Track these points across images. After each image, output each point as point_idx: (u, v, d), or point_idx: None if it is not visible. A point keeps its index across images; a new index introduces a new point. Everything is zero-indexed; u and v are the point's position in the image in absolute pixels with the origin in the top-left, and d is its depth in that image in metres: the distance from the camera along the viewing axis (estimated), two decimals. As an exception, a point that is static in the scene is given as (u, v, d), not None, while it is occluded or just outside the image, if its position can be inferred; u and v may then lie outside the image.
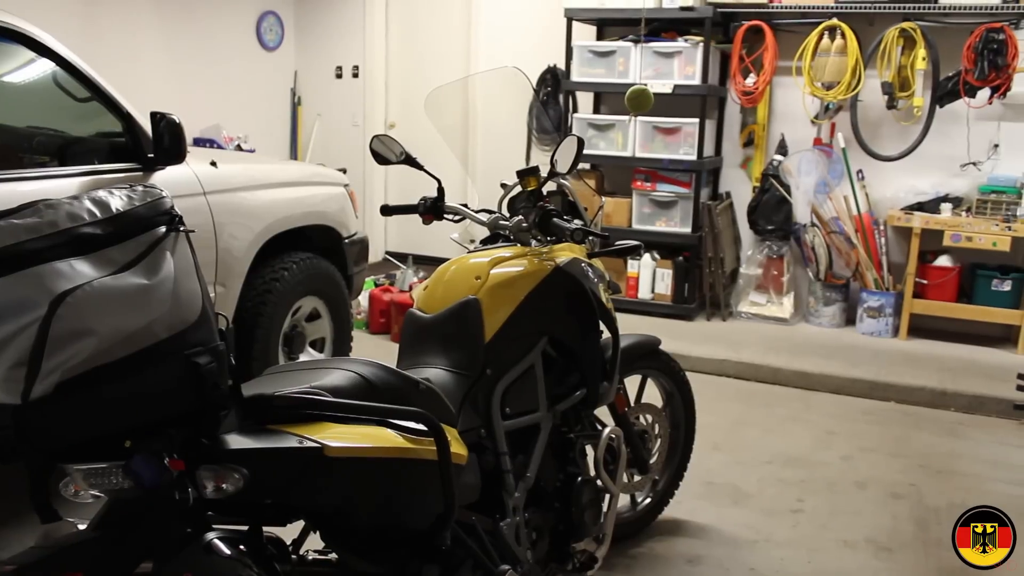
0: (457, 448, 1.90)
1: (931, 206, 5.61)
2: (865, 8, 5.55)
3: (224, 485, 1.45)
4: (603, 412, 2.85)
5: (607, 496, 2.60)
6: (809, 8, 5.67)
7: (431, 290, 2.39)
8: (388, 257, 7.43)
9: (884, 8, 5.51)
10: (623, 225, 6.13)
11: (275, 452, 1.53)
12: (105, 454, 1.41)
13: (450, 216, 2.68)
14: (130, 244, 1.37)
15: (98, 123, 3.40)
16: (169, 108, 6.49)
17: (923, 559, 3.11)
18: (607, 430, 2.56)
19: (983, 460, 4.03)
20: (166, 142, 3.23)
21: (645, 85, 2.84)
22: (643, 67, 5.86)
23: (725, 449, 4.06)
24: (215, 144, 6.66)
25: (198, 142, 6.71)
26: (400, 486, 1.74)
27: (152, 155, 3.30)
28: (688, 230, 5.95)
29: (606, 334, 2.62)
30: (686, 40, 5.77)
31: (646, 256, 6.09)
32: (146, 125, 3.29)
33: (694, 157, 5.80)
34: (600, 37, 6.40)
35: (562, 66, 6.30)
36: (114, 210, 1.38)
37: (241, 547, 1.51)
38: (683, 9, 5.71)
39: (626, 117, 5.97)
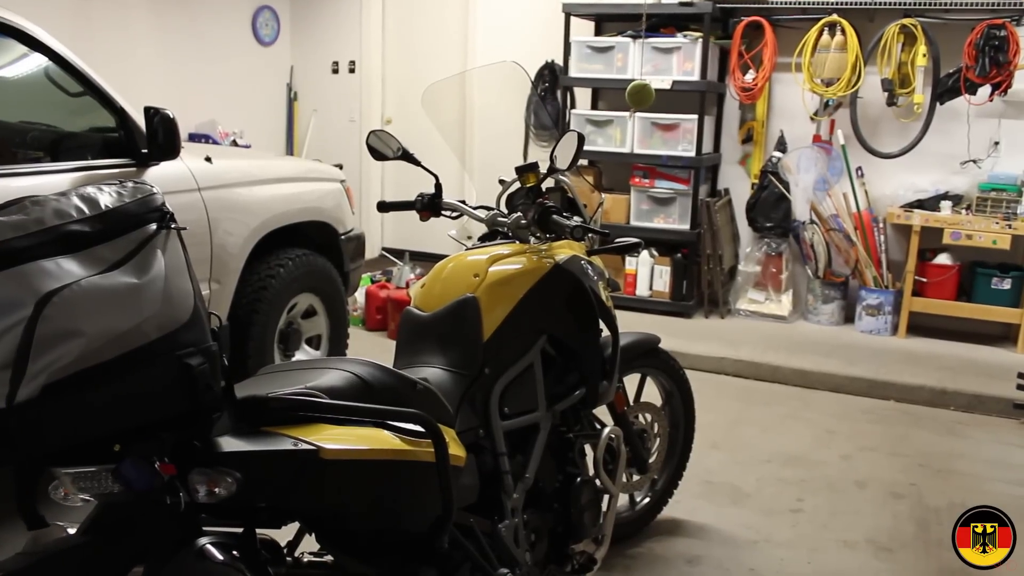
0: (455, 450, 1.86)
1: (931, 204, 5.58)
2: (865, 4, 5.51)
3: (217, 489, 1.41)
4: (603, 411, 2.83)
5: (606, 497, 2.57)
6: (809, 4, 5.63)
7: (428, 288, 2.35)
8: (385, 253, 7.39)
9: (884, 4, 5.47)
10: (621, 222, 6.10)
11: (269, 455, 1.50)
12: (95, 457, 1.37)
13: (447, 213, 2.64)
14: (120, 242, 1.33)
15: (92, 118, 3.36)
16: (164, 103, 6.44)
17: (924, 559, 3.08)
18: (607, 430, 2.53)
19: (983, 459, 4.00)
20: (160, 137, 3.19)
21: (646, 81, 2.80)
22: (642, 63, 5.82)
23: (724, 448, 4.03)
24: (211, 139, 6.62)
25: (194, 137, 6.67)
26: (397, 489, 1.70)
27: (146, 150, 3.26)
28: (687, 227, 5.92)
29: (606, 332, 2.59)
30: (685, 36, 5.73)
31: (644, 253, 6.06)
32: (140, 120, 3.25)
33: (693, 153, 5.76)
34: (599, 33, 6.36)
35: (560, 62, 6.25)
36: (103, 207, 1.34)
37: (234, 552, 1.47)
38: (682, 4, 5.66)
39: (625, 113, 5.93)
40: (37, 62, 3.18)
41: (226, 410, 1.46)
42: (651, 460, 3.09)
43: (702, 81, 5.68)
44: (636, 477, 3.06)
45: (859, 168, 5.78)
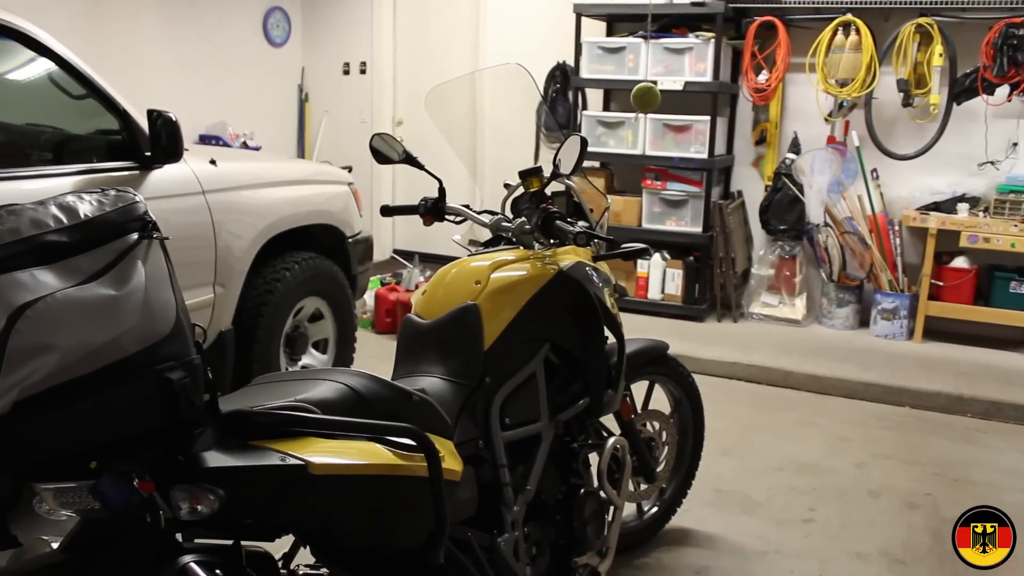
0: (451, 463, 1.81)
1: (947, 206, 5.49)
2: (881, 3, 5.42)
3: (199, 506, 1.37)
4: (610, 419, 2.78)
5: (611, 508, 2.52)
6: (823, 3, 5.55)
7: (429, 295, 2.31)
8: (395, 256, 7.35)
9: (900, 3, 5.38)
10: (633, 224, 6.04)
11: (255, 470, 1.45)
12: (75, 472, 1.33)
13: (451, 217, 2.60)
14: (99, 252, 1.29)
15: (98, 120, 3.33)
16: (175, 105, 6.44)
17: (938, 573, 3.01)
18: (611, 440, 2.48)
19: (1001, 468, 3.92)
20: (163, 140, 3.17)
21: (652, 83, 2.74)
22: (653, 64, 5.76)
23: (735, 455, 3.97)
24: (221, 141, 6.60)
25: (204, 139, 6.66)
26: (390, 504, 1.66)
27: (149, 153, 3.23)
28: (699, 230, 5.85)
29: (612, 340, 2.54)
30: (697, 36, 5.66)
31: (656, 256, 6.00)
32: (144, 123, 3.22)
33: (705, 155, 5.70)
34: (610, 33, 6.29)
35: (571, 63, 6.20)
36: (82, 216, 1.30)
37: (217, 571, 1.43)
38: (694, 4, 5.60)
39: (636, 114, 5.87)
40: (43, 64, 3.15)
41: (210, 425, 1.42)
42: (659, 469, 3.04)
43: (714, 82, 5.61)
44: (644, 486, 3.00)
45: (874, 170, 5.70)
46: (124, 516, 1.32)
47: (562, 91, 6.54)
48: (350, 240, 4.37)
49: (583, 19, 6.07)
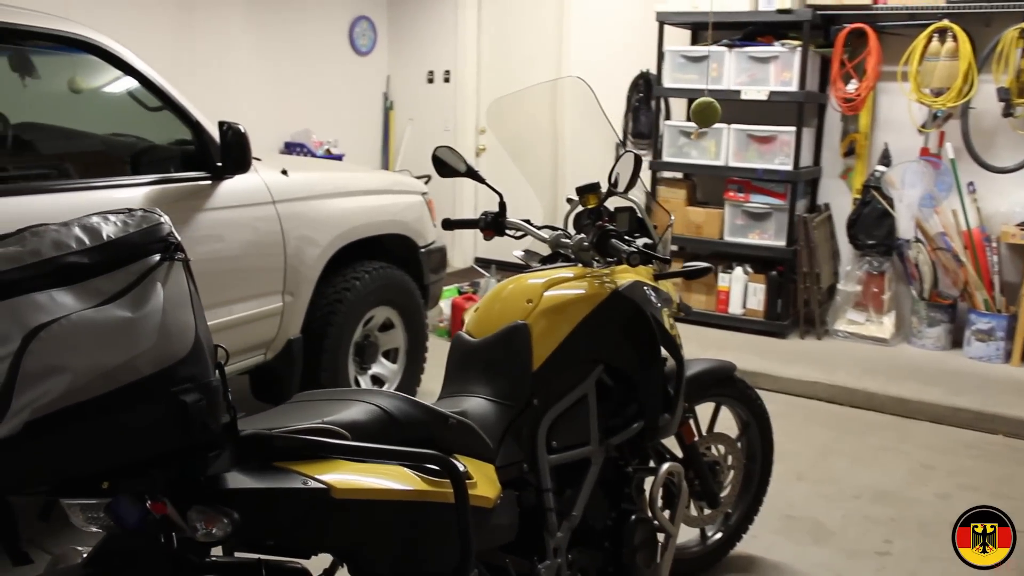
0: (484, 489, 1.77)
1: (1051, 222, 5.19)
2: (981, 7, 5.15)
3: (214, 529, 1.36)
4: (672, 443, 2.70)
5: (665, 536, 2.43)
6: (918, 9, 5.31)
7: (482, 312, 2.28)
8: (475, 265, 7.37)
9: (1003, 7, 5.10)
10: (714, 237, 5.90)
11: (275, 493, 1.44)
12: (99, 489, 1.35)
13: (511, 232, 2.57)
14: (119, 274, 1.29)
15: (176, 131, 3.41)
16: (262, 113, 6.65)
17: (1023, 617, 2.83)
18: (665, 466, 2.39)
19: (1100, 506, 3.66)
20: (232, 151, 3.23)
21: (711, 99, 2.66)
22: (737, 73, 5.62)
23: (809, 480, 3.82)
24: (305, 148, 6.73)
25: (289, 146, 6.80)
26: (416, 531, 1.63)
27: (220, 164, 3.30)
28: (783, 243, 5.67)
29: (672, 362, 2.46)
30: (783, 44, 5.49)
31: (738, 269, 5.84)
32: (216, 134, 3.29)
33: (790, 167, 5.52)
34: (695, 42, 6.17)
35: (655, 71, 6.10)
36: (105, 237, 1.31)
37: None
38: (780, 12, 5.43)
39: (720, 125, 5.73)
40: (120, 77, 3.25)
41: (228, 447, 1.41)
42: (724, 494, 2.94)
43: (800, 91, 5.43)
44: (707, 511, 2.91)
45: (971, 183, 5.41)
46: (139, 535, 1.32)
47: (645, 100, 6.46)
48: (423, 250, 4.39)
49: (666, 27, 5.97)
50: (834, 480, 3.83)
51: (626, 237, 2.34)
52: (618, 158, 2.21)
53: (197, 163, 3.33)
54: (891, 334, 5.60)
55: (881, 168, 5.58)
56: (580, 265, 2.36)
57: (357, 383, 4.09)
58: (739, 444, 3.04)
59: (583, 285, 2.27)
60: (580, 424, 2.22)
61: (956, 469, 3.99)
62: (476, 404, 2.03)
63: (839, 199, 5.99)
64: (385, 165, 7.77)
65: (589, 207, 2.33)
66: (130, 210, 1.39)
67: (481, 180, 2.55)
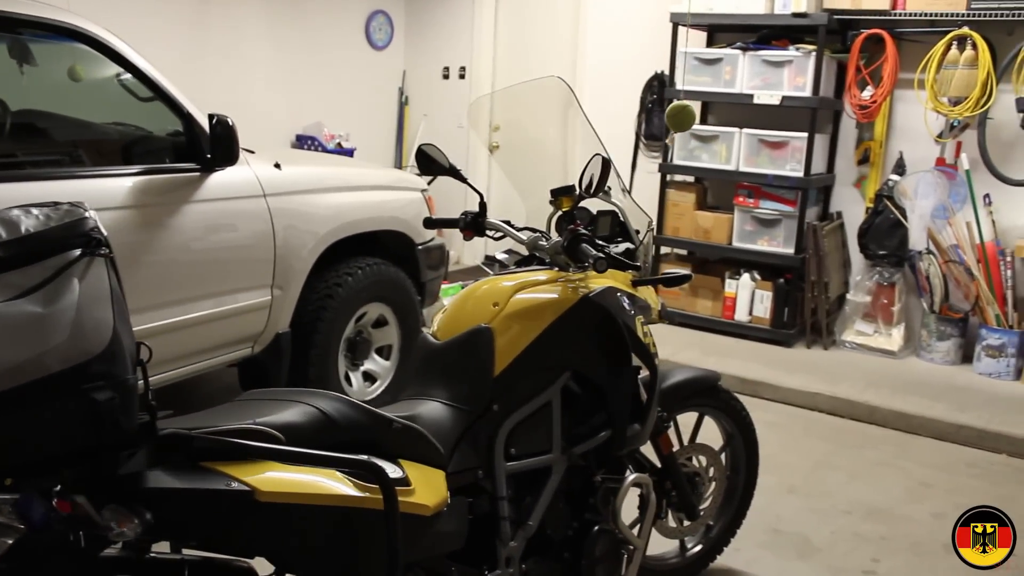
0: (424, 496, 1.72)
1: (1068, 237, 5.06)
2: (1003, 15, 5.02)
3: (124, 528, 1.33)
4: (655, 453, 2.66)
5: (631, 549, 2.38)
6: (937, 15, 5.19)
7: (449, 314, 2.24)
8: (482, 264, 7.32)
9: (1025, 15, 4.98)
10: (723, 242, 5.82)
11: (196, 493, 1.41)
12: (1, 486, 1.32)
13: (491, 233, 2.54)
14: (34, 268, 1.27)
15: (175, 122, 3.39)
16: (275, 105, 6.65)
17: (1008, 647, 2.74)
18: (631, 476, 2.34)
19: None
20: (220, 144, 3.21)
21: (687, 103, 2.60)
22: (750, 76, 5.53)
23: (801, 493, 3.74)
24: (316, 141, 6.73)
25: (300, 139, 6.80)
26: (347, 537, 1.59)
27: (210, 156, 3.29)
28: (791, 251, 5.58)
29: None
30: (798, 49, 5.40)
31: (745, 276, 5.76)
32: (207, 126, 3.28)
33: (801, 174, 5.43)
34: (711, 44, 6.08)
35: (669, 73, 6.03)
36: (23, 231, 1.28)
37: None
38: (796, 16, 5.33)
39: (732, 129, 5.66)
40: (112, 67, 3.25)
41: (145, 446, 1.38)
42: (704, 506, 2.88)
43: (814, 97, 5.33)
44: (686, 523, 2.85)
45: (987, 195, 5.29)
46: (46, 534, 1.30)
47: (659, 102, 6.38)
48: (420, 247, 4.35)
49: (681, 29, 5.89)
50: (827, 494, 3.75)
51: (598, 242, 2.30)
52: (589, 161, 2.16)
53: (188, 155, 3.32)
54: (899, 347, 5.50)
55: (895, 177, 5.48)
56: (556, 269, 2.31)
57: (348, 379, 4.07)
58: (722, 455, 2.98)
59: (553, 289, 2.22)
60: (542, 431, 2.17)
61: (954, 488, 3.89)
62: (432, 408, 1.99)
63: (852, 208, 5.88)
64: (398, 160, 7.75)
65: (563, 210, 2.29)
66: (56, 204, 1.36)
67: (463, 179, 2.53)
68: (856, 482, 3.90)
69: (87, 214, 1.36)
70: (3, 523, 1.32)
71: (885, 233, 5.47)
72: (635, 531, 2.45)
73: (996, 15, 5.03)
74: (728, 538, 3.06)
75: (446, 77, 7.60)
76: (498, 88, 7.06)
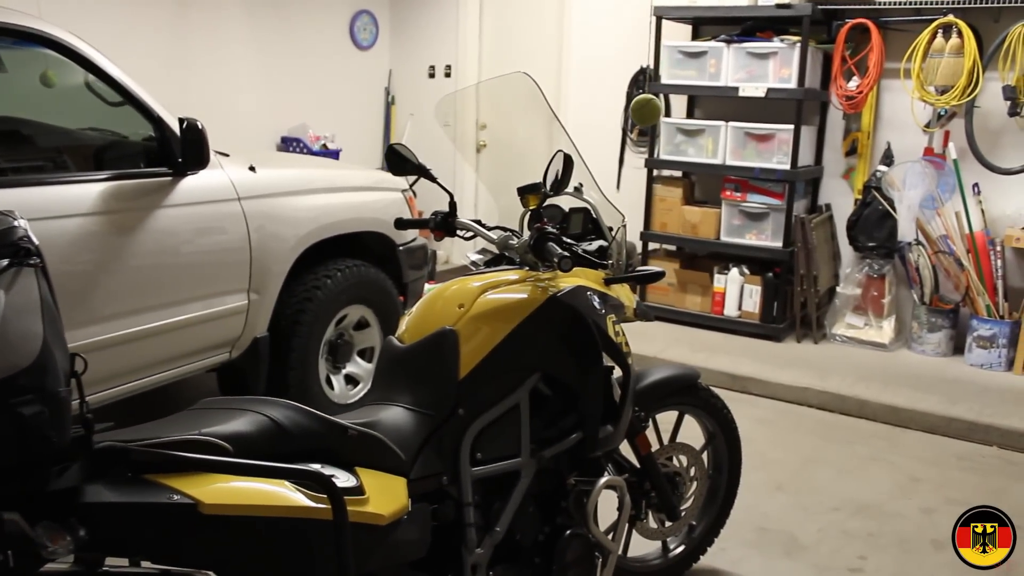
0: (379, 505, 1.67)
1: (1058, 225, 5.01)
2: (989, 2, 4.96)
3: (57, 546, 1.29)
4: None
5: (607, 553, 2.33)
6: (922, 3, 5.14)
7: (415, 316, 2.20)
8: (469, 265, 7.27)
9: (1011, 1, 4.91)
10: (711, 237, 5.78)
11: (136, 507, 1.37)
12: None
13: (461, 233, 2.49)
14: None
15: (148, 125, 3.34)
16: (259, 107, 6.59)
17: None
18: (603, 479, 2.29)
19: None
20: (191, 148, 3.17)
21: (651, 96, 2.55)
22: (735, 69, 5.48)
23: (789, 490, 3.70)
24: (301, 143, 6.68)
25: (285, 141, 6.75)
26: (297, 549, 1.54)
27: (181, 160, 3.24)
28: (779, 244, 5.53)
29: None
30: (782, 40, 5.34)
31: (734, 271, 5.71)
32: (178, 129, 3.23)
33: (787, 166, 5.38)
34: (695, 37, 6.04)
35: (654, 67, 5.98)
36: None
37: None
38: (779, 7, 5.28)
39: (718, 122, 5.61)
40: (80, 72, 3.20)
41: (80, 460, 1.34)
42: (686, 506, 2.84)
43: (799, 89, 5.28)
44: (667, 523, 2.81)
45: (975, 185, 5.24)
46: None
47: (645, 96, 6.33)
48: (401, 248, 4.31)
49: (666, 23, 5.85)
50: (815, 491, 3.71)
51: (566, 240, 2.26)
52: (552, 157, 2.11)
53: (160, 159, 3.27)
54: (891, 339, 5.45)
55: (882, 168, 5.43)
56: (526, 269, 2.27)
57: (330, 382, 4.03)
58: (704, 454, 2.93)
59: (521, 290, 2.17)
60: (510, 435, 2.12)
61: (944, 482, 3.85)
62: (394, 413, 1.95)
63: (841, 199, 5.83)
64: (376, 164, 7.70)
65: (531, 208, 2.25)
66: (-14, 214, 1.32)
67: (432, 179, 2.47)
68: (845, 478, 3.86)
69: (16, 223, 1.32)
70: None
71: (874, 225, 5.42)
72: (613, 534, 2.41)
73: (981, 2, 4.98)
74: (712, 538, 3.02)
75: (432, 76, 7.54)
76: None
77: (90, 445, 1.35)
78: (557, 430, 2.23)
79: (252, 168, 3.61)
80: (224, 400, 1.76)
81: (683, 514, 2.81)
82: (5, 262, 1.27)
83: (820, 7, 5.31)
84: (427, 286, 4.85)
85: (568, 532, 2.20)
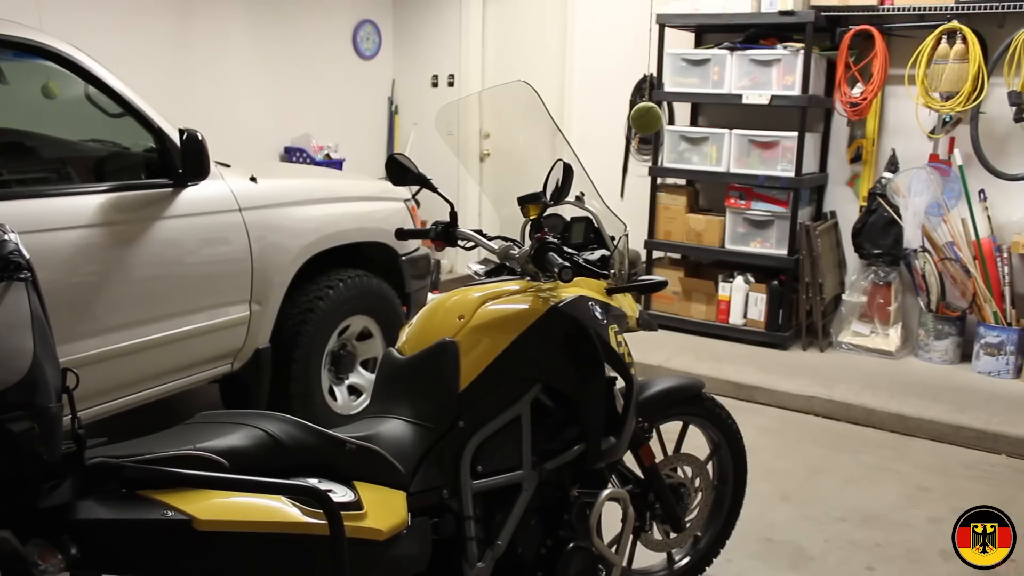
0: (378, 520, 1.66)
1: (1065, 232, 4.97)
2: (993, 7, 4.94)
3: (47, 564, 1.27)
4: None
5: (610, 566, 2.31)
6: (926, 9, 5.12)
7: (415, 327, 2.18)
8: (472, 274, 7.25)
9: (1016, 6, 4.88)
10: (715, 245, 5.75)
11: (129, 524, 1.35)
12: None
13: (462, 243, 2.47)
14: None
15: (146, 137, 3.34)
16: (263, 117, 6.59)
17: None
18: (606, 491, 2.26)
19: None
20: (191, 158, 3.16)
21: (652, 104, 2.54)
22: (739, 76, 5.46)
23: (795, 500, 3.66)
24: (304, 153, 6.68)
25: (289, 151, 6.75)
26: (293, 565, 1.52)
27: (182, 171, 3.23)
28: (784, 252, 5.50)
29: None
30: (786, 47, 5.33)
31: (739, 279, 5.69)
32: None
33: (792, 174, 5.35)
34: (699, 45, 6.02)
35: (657, 75, 5.97)
36: None
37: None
38: (783, 14, 5.26)
39: (722, 130, 5.59)
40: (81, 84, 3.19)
41: (72, 476, 1.32)
42: (691, 517, 2.81)
43: (803, 96, 5.26)
44: (672, 535, 2.78)
45: (981, 191, 5.21)
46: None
47: (648, 104, 6.31)
48: (403, 258, 4.29)
49: (669, 30, 5.83)
50: (821, 501, 3.67)
51: (567, 250, 2.23)
52: (552, 166, 2.10)
53: (161, 170, 3.27)
54: (897, 347, 5.41)
55: (887, 175, 5.40)
56: (528, 278, 2.25)
57: (333, 393, 4.01)
58: (709, 465, 2.90)
59: (521, 300, 2.15)
60: (511, 447, 2.10)
61: (952, 491, 3.81)
62: (393, 427, 1.93)
63: (846, 207, 5.80)
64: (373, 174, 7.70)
65: (531, 218, 2.23)
66: (-21, 229, 1.30)
67: (433, 189, 2.45)
68: (851, 488, 3.82)
69: (6, 236, 1.30)
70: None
71: (880, 232, 5.39)
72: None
73: (986, 8, 4.95)
74: (717, 549, 2.99)
75: (435, 85, 7.55)
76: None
77: (82, 461, 1.33)
78: (559, 442, 2.21)
79: (253, 179, 3.60)
80: (221, 414, 1.74)
81: (688, 525, 2.78)
82: None
83: (823, 14, 5.29)
84: (430, 296, 4.84)
85: (571, 545, 2.17)
